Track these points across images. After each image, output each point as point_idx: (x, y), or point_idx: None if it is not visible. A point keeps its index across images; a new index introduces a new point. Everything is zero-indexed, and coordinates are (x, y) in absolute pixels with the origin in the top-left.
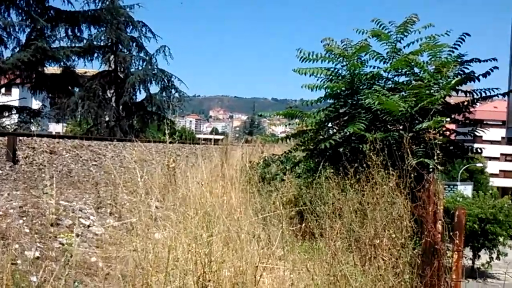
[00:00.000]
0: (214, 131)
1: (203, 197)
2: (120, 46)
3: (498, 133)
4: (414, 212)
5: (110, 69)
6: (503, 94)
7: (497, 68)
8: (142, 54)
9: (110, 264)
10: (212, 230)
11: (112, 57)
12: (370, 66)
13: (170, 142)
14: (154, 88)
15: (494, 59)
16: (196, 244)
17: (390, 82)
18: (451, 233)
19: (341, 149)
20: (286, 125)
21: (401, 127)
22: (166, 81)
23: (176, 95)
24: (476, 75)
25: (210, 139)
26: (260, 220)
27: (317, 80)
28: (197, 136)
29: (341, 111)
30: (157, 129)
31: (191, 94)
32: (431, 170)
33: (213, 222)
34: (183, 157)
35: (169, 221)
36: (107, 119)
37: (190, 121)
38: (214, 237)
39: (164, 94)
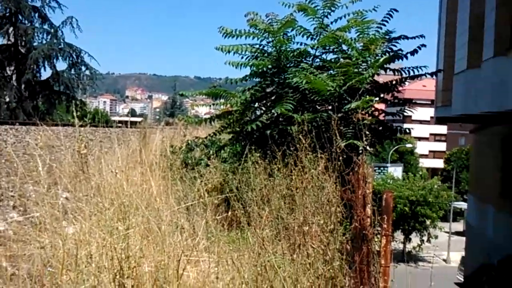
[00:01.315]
0: (131, 112)
1: (120, 186)
2: (20, 17)
3: (427, 113)
4: (343, 196)
5: (9, 42)
6: (431, 74)
7: (425, 45)
8: (46, 26)
9: (15, 263)
10: (130, 222)
11: (11, 29)
12: (297, 43)
13: (81, 126)
14: (61, 65)
15: (422, 36)
16: (111, 238)
17: (318, 60)
18: (379, 217)
19: (268, 132)
20: (210, 106)
21: (329, 107)
22: (74, 56)
23: (87, 72)
24: (404, 53)
25: (127, 122)
26: (183, 209)
27: (242, 57)
28: (112, 118)
29: (267, 90)
30: (66, 111)
31: (104, 72)
32: (360, 152)
33: (131, 213)
34: (96, 142)
35: (81, 214)
36: (7, 100)
37: (104, 101)
38: (132, 230)
39: (72, 71)
